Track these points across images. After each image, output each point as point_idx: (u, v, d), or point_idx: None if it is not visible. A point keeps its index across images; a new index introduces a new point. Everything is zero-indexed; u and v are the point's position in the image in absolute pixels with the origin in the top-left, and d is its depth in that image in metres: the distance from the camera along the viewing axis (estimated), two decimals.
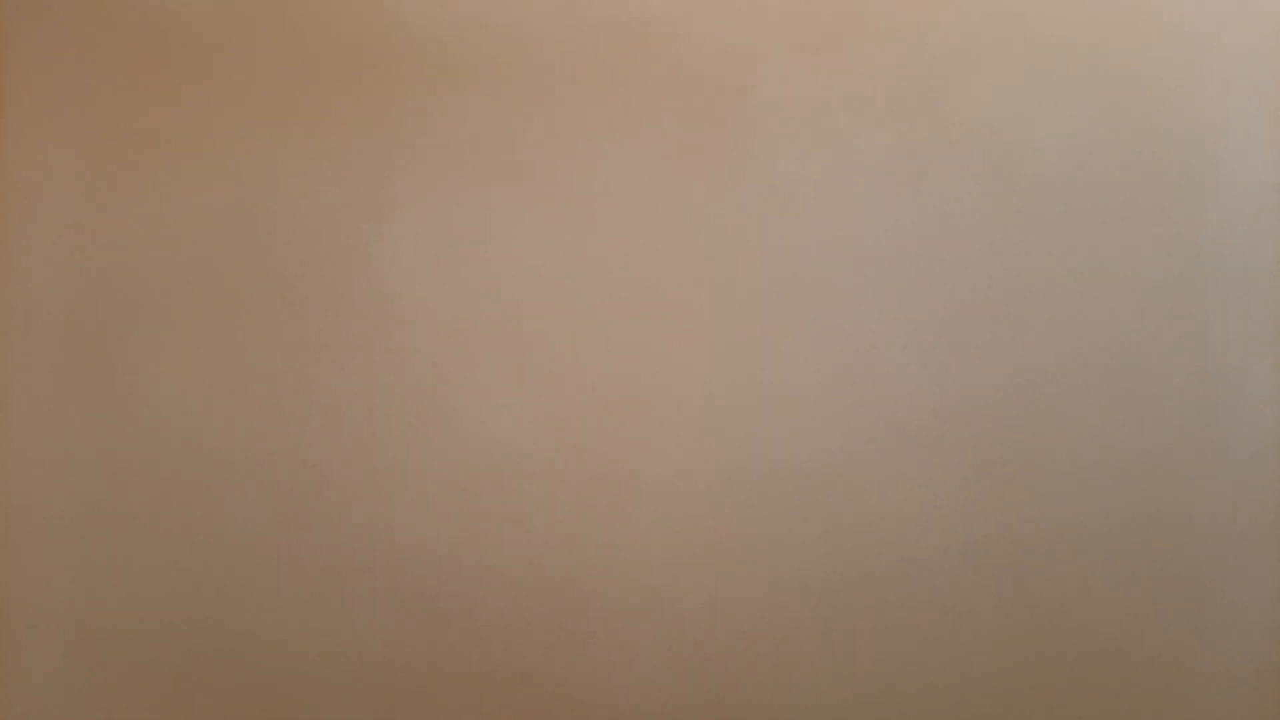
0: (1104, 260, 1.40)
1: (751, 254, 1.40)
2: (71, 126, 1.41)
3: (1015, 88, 1.41)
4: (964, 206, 1.40)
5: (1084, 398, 1.39)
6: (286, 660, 1.38)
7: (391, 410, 1.39)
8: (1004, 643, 1.38)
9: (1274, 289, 1.40)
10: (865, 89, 1.40)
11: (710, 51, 1.41)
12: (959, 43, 1.41)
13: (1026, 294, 1.40)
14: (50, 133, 1.41)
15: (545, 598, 1.39)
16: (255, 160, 1.41)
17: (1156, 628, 1.39)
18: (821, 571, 1.39)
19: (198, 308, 1.40)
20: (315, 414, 1.39)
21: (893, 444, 1.39)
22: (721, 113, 1.40)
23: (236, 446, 1.39)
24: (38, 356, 1.40)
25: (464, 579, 1.39)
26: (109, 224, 1.41)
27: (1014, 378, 1.39)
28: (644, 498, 1.39)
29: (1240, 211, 1.41)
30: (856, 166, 1.40)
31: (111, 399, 1.39)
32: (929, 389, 1.39)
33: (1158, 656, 1.38)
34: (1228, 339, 1.40)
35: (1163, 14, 1.41)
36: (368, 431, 1.39)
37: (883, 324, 1.39)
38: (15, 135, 1.41)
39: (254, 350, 1.40)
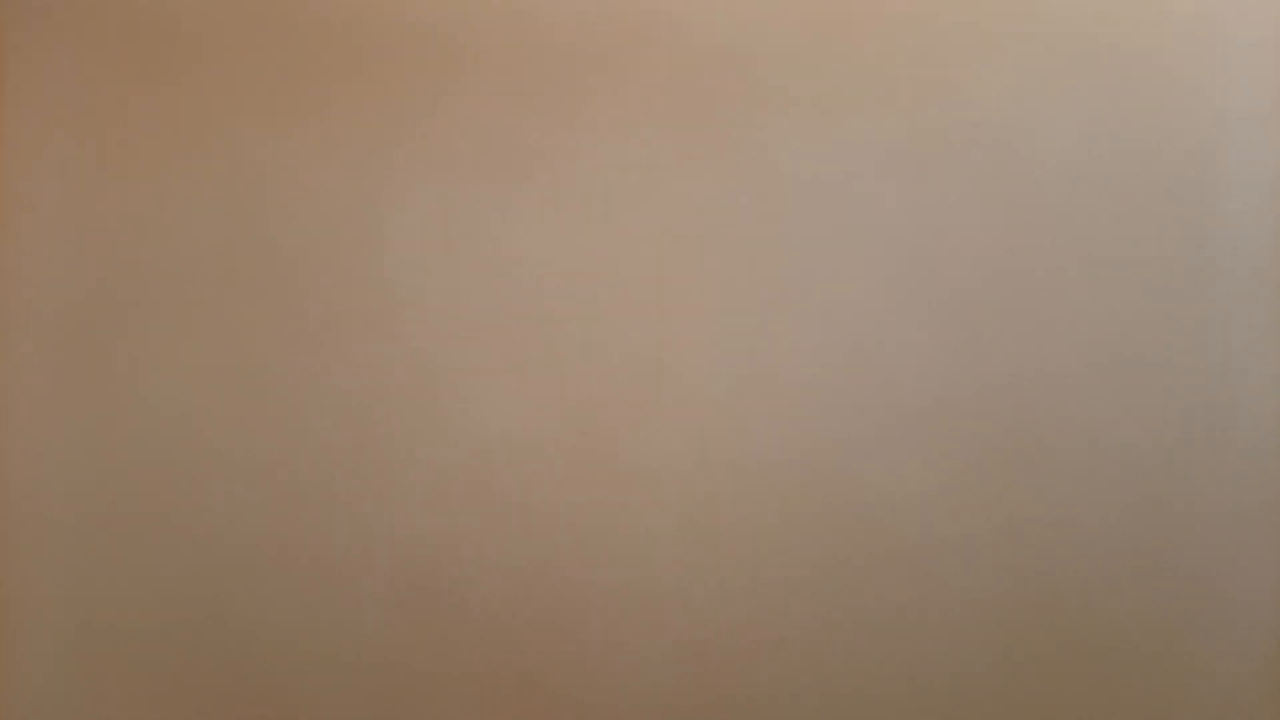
0: (1106, 254, 1.40)
1: (754, 246, 1.40)
2: (71, 125, 1.41)
3: (1019, 81, 1.41)
4: (967, 198, 1.40)
5: (1086, 391, 1.39)
6: (286, 657, 1.38)
7: (392, 405, 1.39)
8: (1005, 638, 1.38)
9: (1278, 280, 1.40)
10: (870, 81, 1.41)
11: (713, 44, 1.41)
12: (963, 36, 1.41)
13: (1029, 286, 1.40)
14: (50, 132, 1.41)
15: (546, 592, 1.38)
16: (255, 156, 1.41)
17: (1157, 623, 1.38)
18: (823, 565, 1.38)
19: (198, 304, 1.40)
20: (316, 409, 1.39)
21: (895, 437, 1.39)
22: (725, 105, 1.40)
23: (235, 443, 1.39)
24: (38, 355, 1.40)
25: (464, 574, 1.38)
26: (108, 221, 1.41)
27: (1016, 371, 1.39)
28: (645, 491, 1.39)
29: (1243, 205, 1.41)
30: (861, 158, 1.40)
31: (110, 396, 1.39)
32: (931, 381, 1.39)
33: (1158, 651, 1.38)
34: (1231, 333, 1.40)
35: (1165, 8, 1.41)
36: (368, 426, 1.39)
37: (886, 316, 1.39)
38: (15, 135, 1.42)
39: (254, 346, 1.40)
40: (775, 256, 1.40)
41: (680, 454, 1.39)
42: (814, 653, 1.38)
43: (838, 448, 1.39)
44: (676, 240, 1.40)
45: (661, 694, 1.38)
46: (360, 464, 1.39)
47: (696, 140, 1.40)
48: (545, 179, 1.40)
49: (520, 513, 1.38)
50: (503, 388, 1.39)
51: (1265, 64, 1.42)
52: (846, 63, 1.41)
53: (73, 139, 1.41)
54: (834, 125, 1.40)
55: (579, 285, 1.40)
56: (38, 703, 1.38)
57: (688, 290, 1.40)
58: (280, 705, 1.38)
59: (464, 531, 1.38)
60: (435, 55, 1.41)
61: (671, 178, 1.40)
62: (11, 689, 1.38)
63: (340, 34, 1.41)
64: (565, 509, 1.39)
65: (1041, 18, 1.41)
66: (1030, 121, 1.40)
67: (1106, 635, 1.38)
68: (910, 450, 1.39)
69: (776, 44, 1.41)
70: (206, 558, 1.39)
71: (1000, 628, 1.38)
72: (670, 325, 1.39)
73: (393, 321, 1.40)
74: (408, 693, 1.38)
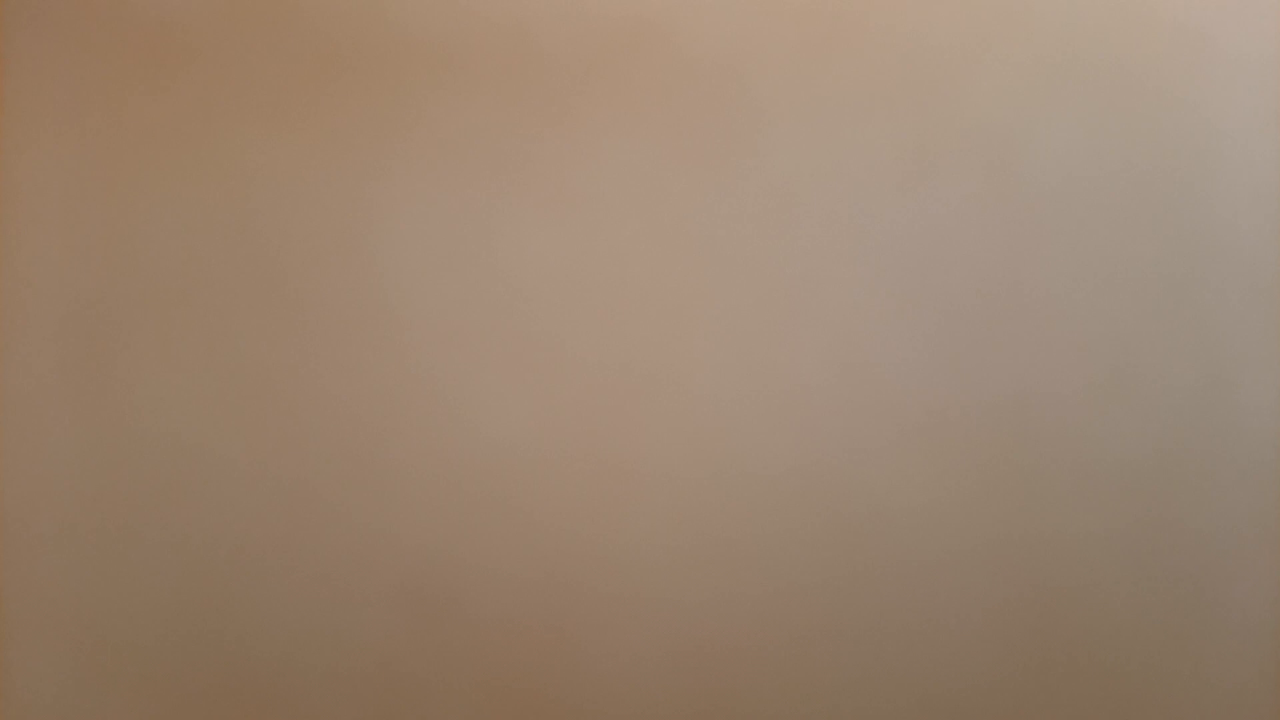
0: (1105, 263, 1.40)
1: (752, 252, 1.40)
2: (71, 126, 1.41)
3: (1016, 88, 1.41)
4: (965, 205, 1.40)
5: (1085, 400, 1.39)
6: (287, 661, 1.38)
7: (390, 409, 1.39)
8: (1005, 647, 1.38)
9: (1275, 287, 1.40)
10: (867, 88, 1.40)
11: (711, 49, 1.41)
12: (960, 42, 1.41)
13: (1028, 295, 1.40)
14: (50, 133, 1.41)
15: (545, 596, 1.38)
16: (254, 159, 1.41)
17: (1157, 632, 1.39)
18: (821, 571, 1.39)
19: (197, 307, 1.40)
20: (314, 412, 1.39)
21: (893, 443, 1.39)
22: (723, 111, 1.40)
23: (235, 447, 1.39)
24: (37, 357, 1.40)
25: (464, 579, 1.39)
26: (107, 223, 1.41)
27: (1015, 379, 1.39)
28: (644, 496, 1.39)
29: (1242, 216, 1.41)
30: (858, 165, 1.40)
31: (110, 398, 1.39)
32: (929, 390, 1.39)
33: (1158, 661, 1.38)
34: (1229, 340, 1.40)
35: (1163, 14, 1.41)
36: (367, 430, 1.39)
37: (884, 323, 1.39)
38: (15, 135, 1.41)
39: (253, 349, 1.39)
40: (772, 264, 1.40)
41: (679, 461, 1.39)
42: (814, 661, 1.38)
43: (837, 456, 1.39)
44: (674, 247, 1.40)
45: (662, 701, 1.38)
46: (359, 469, 1.39)
47: (694, 147, 1.40)
48: (543, 185, 1.40)
49: (520, 518, 1.39)
50: (501, 393, 1.39)
51: (1263, 74, 1.41)
52: (846, 71, 1.40)
53: (72, 141, 1.41)
54: (831, 134, 1.40)
55: (577, 292, 1.40)
56: (38, 703, 1.38)
57: (686, 297, 1.39)
58: (280, 709, 1.38)
59: (464, 537, 1.39)
60: (433, 61, 1.41)
61: (669, 185, 1.40)
62: (12, 689, 1.38)
63: (339, 38, 1.41)
64: (564, 515, 1.39)
65: (1039, 28, 1.41)
66: (1028, 131, 1.40)
67: (1106, 644, 1.38)
68: (910, 459, 1.39)
69: (773, 52, 1.41)
70: (206, 562, 1.39)
71: (1000, 637, 1.38)
72: (668, 332, 1.39)
73: (391, 327, 1.39)
74: (408, 698, 1.38)
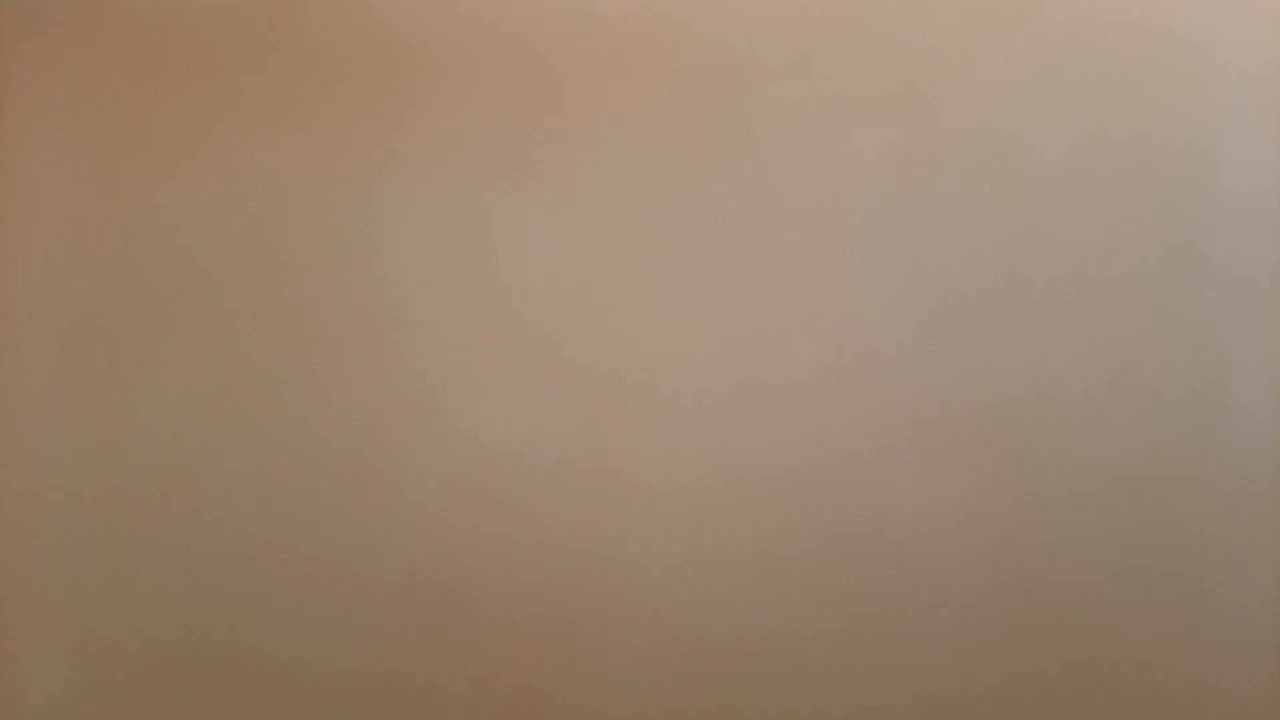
0: (1103, 264, 1.40)
1: (751, 255, 1.40)
2: (71, 126, 1.41)
3: (1015, 91, 1.41)
4: (964, 208, 1.40)
5: (1083, 401, 1.39)
6: (287, 663, 1.38)
7: (391, 411, 1.39)
8: (1004, 644, 1.38)
9: (1274, 291, 1.40)
10: (866, 91, 1.40)
11: (711, 53, 1.40)
12: (959, 46, 1.41)
13: (1026, 298, 1.40)
14: (50, 133, 1.41)
15: (546, 598, 1.39)
16: (254, 160, 1.40)
17: (1155, 633, 1.39)
18: (821, 572, 1.39)
19: (198, 307, 1.40)
20: (315, 414, 1.39)
21: (892, 446, 1.39)
22: (723, 113, 1.40)
23: (235, 449, 1.39)
24: (37, 359, 1.40)
25: (465, 579, 1.39)
26: (108, 224, 1.40)
27: (1014, 381, 1.39)
28: (645, 497, 1.39)
29: (1240, 217, 1.41)
30: (858, 168, 1.40)
31: (110, 399, 1.39)
32: (928, 392, 1.39)
33: (1156, 662, 1.38)
34: (1227, 342, 1.40)
35: (1162, 16, 1.41)
36: (368, 432, 1.39)
37: (883, 326, 1.39)
38: (15, 135, 1.41)
39: (253, 350, 1.39)
40: (771, 267, 1.40)
41: (679, 463, 1.39)
42: (814, 663, 1.38)
43: (837, 458, 1.39)
44: (674, 249, 1.40)
45: (662, 702, 1.38)
46: (360, 470, 1.39)
47: (694, 150, 1.40)
48: (543, 188, 1.40)
49: (521, 520, 1.39)
50: (502, 396, 1.39)
51: (1262, 76, 1.41)
52: (845, 74, 1.40)
53: (72, 141, 1.41)
54: (832, 136, 1.40)
55: (577, 294, 1.40)
56: (38, 703, 1.38)
57: (686, 300, 1.39)
58: (281, 710, 1.38)
59: (465, 539, 1.39)
60: (434, 64, 1.40)
61: (669, 187, 1.40)
62: (12, 689, 1.39)
63: (340, 40, 1.41)
64: (565, 517, 1.39)
65: (1037, 32, 1.41)
66: (1027, 134, 1.40)
67: (1106, 645, 1.39)
68: (909, 461, 1.39)
69: (773, 56, 1.41)
70: (206, 563, 1.39)
71: (1000, 637, 1.38)
72: (669, 335, 1.39)
73: (392, 329, 1.39)
74: (410, 700, 1.38)
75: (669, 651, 1.38)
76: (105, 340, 1.40)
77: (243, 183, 1.40)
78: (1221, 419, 1.39)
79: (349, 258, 1.40)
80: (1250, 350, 1.40)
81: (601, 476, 1.39)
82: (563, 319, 1.39)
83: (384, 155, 1.40)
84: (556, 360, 1.39)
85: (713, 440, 1.39)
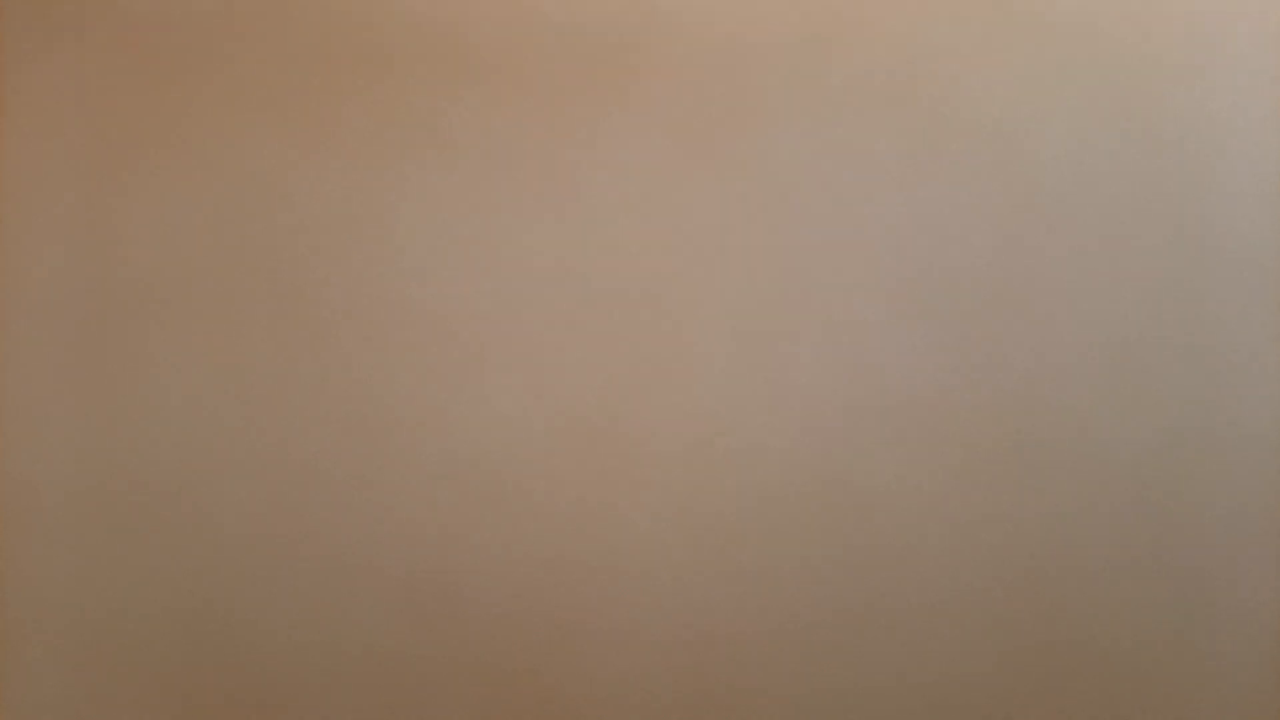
0: (1106, 258, 1.40)
1: (756, 249, 1.40)
2: (71, 126, 1.41)
3: (1019, 85, 1.41)
4: (968, 201, 1.40)
5: (1086, 391, 1.39)
6: (288, 656, 1.38)
7: (394, 407, 1.39)
8: (1005, 636, 1.38)
9: (1275, 286, 1.40)
10: (869, 87, 1.40)
11: (718, 50, 1.41)
12: (962, 40, 1.41)
13: (1030, 288, 1.40)
14: (50, 132, 1.41)
15: (547, 593, 1.38)
16: (257, 158, 1.40)
17: (1157, 622, 1.38)
18: (823, 565, 1.38)
19: (198, 305, 1.40)
20: (317, 410, 1.39)
21: (894, 438, 1.39)
22: (729, 110, 1.40)
23: (237, 443, 1.39)
24: (38, 355, 1.40)
25: (470, 573, 1.38)
26: (110, 222, 1.40)
27: (1017, 371, 1.39)
28: (648, 492, 1.39)
29: (1243, 207, 1.41)
30: (861, 164, 1.40)
31: (112, 396, 1.39)
32: (931, 382, 1.39)
33: (1158, 651, 1.38)
34: (1230, 337, 1.40)
35: (1165, 11, 1.41)
36: (369, 429, 1.39)
37: (885, 319, 1.39)
38: (15, 135, 1.41)
39: (255, 347, 1.39)
40: (775, 261, 1.40)
41: (683, 456, 1.39)
42: (817, 655, 1.38)
43: (839, 447, 1.39)
44: (681, 243, 1.40)
45: (663, 696, 1.38)
46: (364, 465, 1.39)
47: (702, 144, 1.40)
48: (552, 183, 1.40)
49: (525, 513, 1.39)
50: (509, 389, 1.39)
51: (1264, 66, 1.41)
52: (847, 69, 1.40)
53: (72, 140, 1.41)
54: (834, 132, 1.40)
55: (584, 288, 1.40)
56: (38, 703, 1.38)
57: (691, 294, 1.39)
58: (282, 704, 1.38)
59: (469, 532, 1.39)
60: (441, 59, 1.41)
61: (677, 182, 1.40)
62: (12, 689, 1.38)
63: (341, 38, 1.41)
64: (570, 510, 1.39)
65: (1041, 26, 1.41)
66: (1032, 124, 1.40)
67: (1106, 634, 1.38)
68: (910, 453, 1.39)
69: (778, 50, 1.41)
70: (206, 560, 1.38)
71: (1000, 626, 1.38)
72: (673, 328, 1.39)
73: (397, 324, 1.39)
74: (411, 693, 1.38)
75: (671, 646, 1.38)
76: (105, 339, 1.39)
77: (243, 182, 1.40)
78: (1225, 412, 1.39)
79: (351, 257, 1.40)
80: (1253, 344, 1.40)
81: (605, 470, 1.38)
82: (569, 312, 1.39)
83: (387, 153, 1.40)
84: (564, 354, 1.39)
85: (717, 432, 1.39)
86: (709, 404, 1.39)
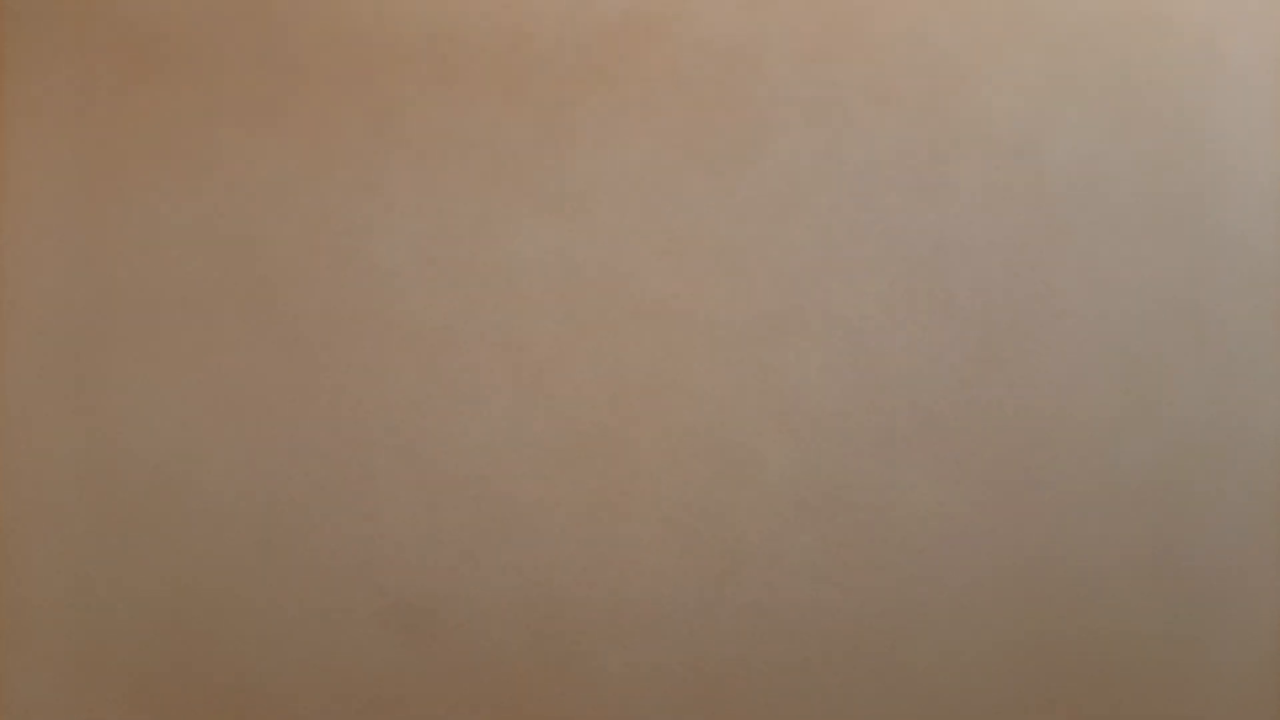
0: (1114, 266, 1.39)
1: (758, 252, 1.39)
2: (70, 127, 1.41)
3: (1026, 91, 1.40)
4: (973, 208, 1.39)
5: (1093, 404, 1.39)
6: (279, 663, 1.38)
7: (386, 417, 1.39)
8: (1013, 645, 1.38)
9: None
10: (875, 91, 1.40)
11: (718, 50, 1.40)
12: (969, 46, 1.40)
13: (1035, 296, 1.39)
14: (50, 133, 1.41)
15: (543, 605, 1.38)
16: (253, 160, 1.40)
17: (1162, 634, 1.38)
18: (825, 577, 1.38)
19: (195, 309, 1.40)
20: (309, 418, 1.39)
21: (899, 449, 1.38)
22: (730, 111, 1.40)
23: (230, 449, 1.39)
24: (35, 358, 1.40)
25: (463, 582, 1.38)
26: (107, 224, 1.41)
27: (1022, 382, 1.39)
28: (644, 500, 1.39)
29: (1250, 218, 1.40)
30: (866, 168, 1.39)
31: (111, 399, 1.39)
32: (936, 393, 1.39)
33: (1163, 661, 1.38)
34: (1238, 348, 1.39)
35: (1172, 18, 1.40)
36: (368, 431, 1.39)
37: (890, 327, 1.39)
38: (15, 135, 1.41)
39: (253, 351, 1.39)
40: (778, 265, 1.39)
41: (681, 465, 1.38)
42: (818, 668, 1.38)
43: (844, 456, 1.38)
44: (679, 246, 1.40)
45: (660, 708, 1.38)
46: (361, 467, 1.39)
47: (698, 147, 1.39)
48: (542, 185, 1.40)
49: (516, 524, 1.38)
50: (498, 397, 1.39)
51: (1268, 77, 1.41)
52: (852, 75, 1.40)
53: (72, 141, 1.41)
54: (839, 136, 1.39)
55: (577, 292, 1.39)
56: (38, 703, 1.39)
57: (690, 297, 1.39)
58: (280, 705, 1.38)
59: (458, 542, 1.39)
60: (433, 63, 1.40)
61: (671, 184, 1.39)
62: (12, 689, 1.39)
63: (338, 41, 1.41)
64: (563, 521, 1.39)
65: (1049, 32, 1.40)
66: (1037, 133, 1.40)
67: (1112, 638, 1.38)
68: (916, 464, 1.38)
69: (782, 53, 1.40)
70: (200, 568, 1.39)
71: (1006, 639, 1.38)
72: (672, 333, 1.39)
73: (388, 330, 1.39)
74: (399, 708, 1.38)
75: (666, 662, 1.38)
76: (102, 341, 1.40)
77: (241, 182, 1.40)
78: (1232, 419, 1.39)
79: (349, 262, 1.40)
80: (1261, 355, 1.39)
81: (601, 478, 1.38)
82: (561, 318, 1.39)
83: (385, 158, 1.40)
84: (556, 361, 1.39)
85: (718, 441, 1.38)
86: (711, 411, 1.39)
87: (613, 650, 1.38)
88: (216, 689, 1.38)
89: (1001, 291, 1.39)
